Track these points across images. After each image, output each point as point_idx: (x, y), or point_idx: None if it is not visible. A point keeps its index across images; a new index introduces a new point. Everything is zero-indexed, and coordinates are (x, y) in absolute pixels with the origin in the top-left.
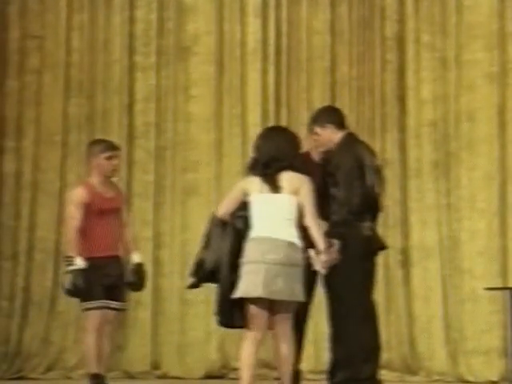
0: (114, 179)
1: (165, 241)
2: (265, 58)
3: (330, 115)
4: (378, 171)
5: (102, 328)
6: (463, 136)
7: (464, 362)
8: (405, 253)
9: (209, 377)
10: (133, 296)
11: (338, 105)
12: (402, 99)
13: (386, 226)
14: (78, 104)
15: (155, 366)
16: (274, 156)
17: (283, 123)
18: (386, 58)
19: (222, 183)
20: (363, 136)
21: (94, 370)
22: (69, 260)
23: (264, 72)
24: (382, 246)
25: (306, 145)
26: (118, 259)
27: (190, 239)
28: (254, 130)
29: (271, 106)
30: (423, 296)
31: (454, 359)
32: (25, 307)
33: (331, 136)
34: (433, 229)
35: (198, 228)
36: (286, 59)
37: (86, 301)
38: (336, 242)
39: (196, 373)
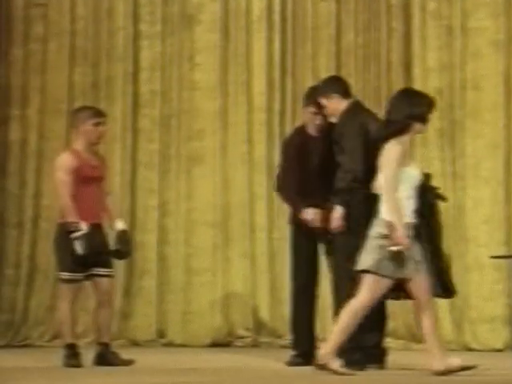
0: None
1: (170, 209)
2: (270, 26)
3: (335, 85)
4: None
5: (76, 298)
6: (469, 104)
7: (469, 330)
8: None
9: (214, 345)
10: (138, 264)
11: (343, 73)
12: (407, 67)
13: None
14: (83, 72)
15: (160, 334)
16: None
17: (288, 92)
18: (392, 26)
19: (227, 152)
20: (369, 104)
21: (69, 340)
22: (73, 226)
23: (269, 40)
24: None
25: (301, 118)
26: (101, 227)
27: (195, 208)
28: (260, 98)
29: (276, 75)
30: None
31: (458, 327)
32: (30, 275)
33: (337, 105)
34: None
35: (203, 196)
36: (292, 27)
37: (61, 271)
38: (339, 209)
39: (201, 341)
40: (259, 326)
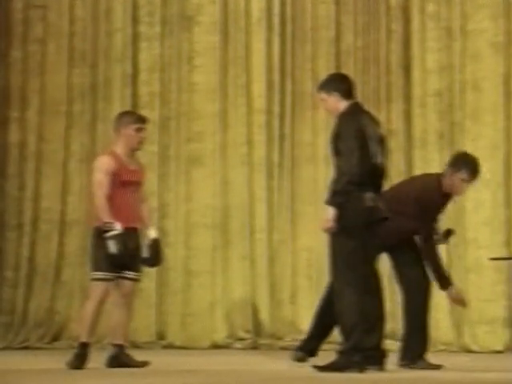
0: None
1: (169, 211)
2: (269, 28)
3: (337, 83)
4: (381, 142)
5: (106, 300)
6: (468, 106)
7: (469, 332)
8: None
9: (214, 346)
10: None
11: None
12: (407, 69)
13: None
14: (82, 74)
15: (160, 336)
16: None
17: (288, 93)
18: (391, 28)
19: (226, 153)
20: (368, 106)
21: (84, 338)
22: (107, 226)
23: (269, 42)
24: (385, 217)
25: None
26: (136, 231)
27: (194, 209)
28: (259, 100)
29: (276, 76)
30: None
31: (458, 329)
32: (30, 277)
33: (336, 104)
34: None
35: (203, 198)
36: (291, 29)
37: (95, 271)
38: (332, 211)
39: (201, 343)
40: (259, 328)
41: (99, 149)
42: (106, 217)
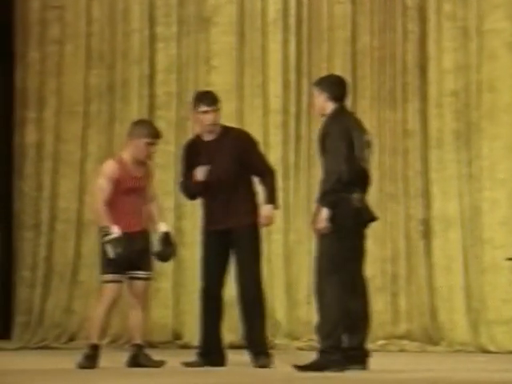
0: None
1: (186, 211)
2: (286, 28)
3: (331, 85)
4: (367, 146)
5: (116, 302)
6: (484, 106)
7: (485, 332)
8: (426, 223)
9: (230, 346)
10: (155, 267)
11: (359, 74)
12: (423, 69)
13: (408, 197)
14: (99, 74)
15: (177, 336)
16: None
17: (304, 94)
18: (408, 28)
19: None
20: (384, 106)
21: (95, 340)
22: (104, 230)
23: (285, 42)
24: (372, 218)
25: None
26: (142, 233)
27: None
28: (275, 100)
29: (292, 77)
30: (444, 266)
31: (475, 329)
32: (47, 277)
33: (323, 104)
34: (454, 199)
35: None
36: (307, 29)
37: (104, 273)
38: (325, 211)
39: None
40: (275, 328)
41: (116, 149)
42: (103, 221)
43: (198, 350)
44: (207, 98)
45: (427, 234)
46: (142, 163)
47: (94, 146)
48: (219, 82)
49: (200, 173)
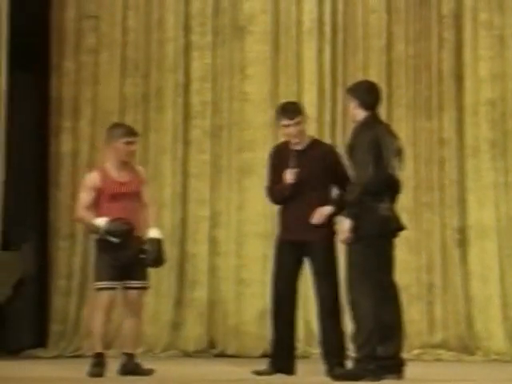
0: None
1: (221, 220)
2: (321, 37)
3: (363, 92)
4: (398, 153)
5: (112, 308)
6: None
7: None
8: (462, 232)
9: (266, 355)
10: (189, 275)
11: (394, 83)
12: (459, 77)
13: (443, 206)
14: (134, 83)
15: (212, 344)
16: None
17: (339, 102)
18: (443, 36)
19: None
20: (420, 115)
21: (98, 349)
22: (94, 227)
23: (320, 51)
24: (400, 227)
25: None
26: (134, 239)
27: (246, 219)
28: (310, 109)
29: (327, 85)
30: (480, 275)
31: (511, 339)
32: (82, 286)
33: (354, 111)
34: (490, 208)
35: (254, 207)
36: (342, 38)
37: (97, 281)
38: (348, 222)
39: (253, 351)
40: (310, 337)
41: (151, 158)
42: (89, 220)
43: (269, 358)
44: (288, 111)
45: (463, 242)
46: (126, 167)
47: None
48: (254, 90)
49: (290, 175)
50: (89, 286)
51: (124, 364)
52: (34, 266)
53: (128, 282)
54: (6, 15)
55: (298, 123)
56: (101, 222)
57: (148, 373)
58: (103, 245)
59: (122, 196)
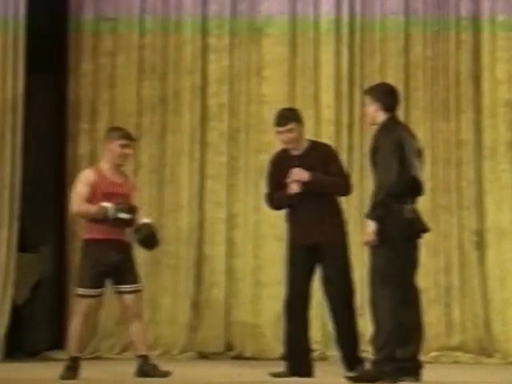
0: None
1: (238, 222)
2: (338, 39)
3: (383, 94)
4: (419, 154)
5: (93, 315)
6: None
7: None
8: (480, 234)
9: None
10: (206, 277)
11: (411, 85)
12: (476, 79)
13: (461, 208)
14: (151, 86)
15: (229, 346)
16: None
17: (357, 104)
18: (461, 38)
19: None
20: (438, 116)
21: (73, 353)
22: (101, 211)
23: (337, 53)
24: (425, 229)
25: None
26: (122, 243)
27: (263, 220)
28: (328, 111)
29: (345, 87)
30: (498, 278)
31: None
32: None
33: (374, 114)
34: (508, 210)
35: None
36: (360, 40)
37: (79, 287)
38: (372, 224)
39: (270, 353)
40: (328, 339)
41: (169, 160)
42: (92, 209)
43: (283, 360)
44: (279, 119)
45: (481, 244)
46: (119, 170)
47: (146, 158)
48: (271, 92)
49: (295, 185)
50: (106, 289)
51: (140, 366)
52: (51, 269)
53: (120, 286)
54: (23, 17)
55: (289, 130)
56: (107, 204)
57: (165, 375)
58: (89, 250)
59: (114, 196)
